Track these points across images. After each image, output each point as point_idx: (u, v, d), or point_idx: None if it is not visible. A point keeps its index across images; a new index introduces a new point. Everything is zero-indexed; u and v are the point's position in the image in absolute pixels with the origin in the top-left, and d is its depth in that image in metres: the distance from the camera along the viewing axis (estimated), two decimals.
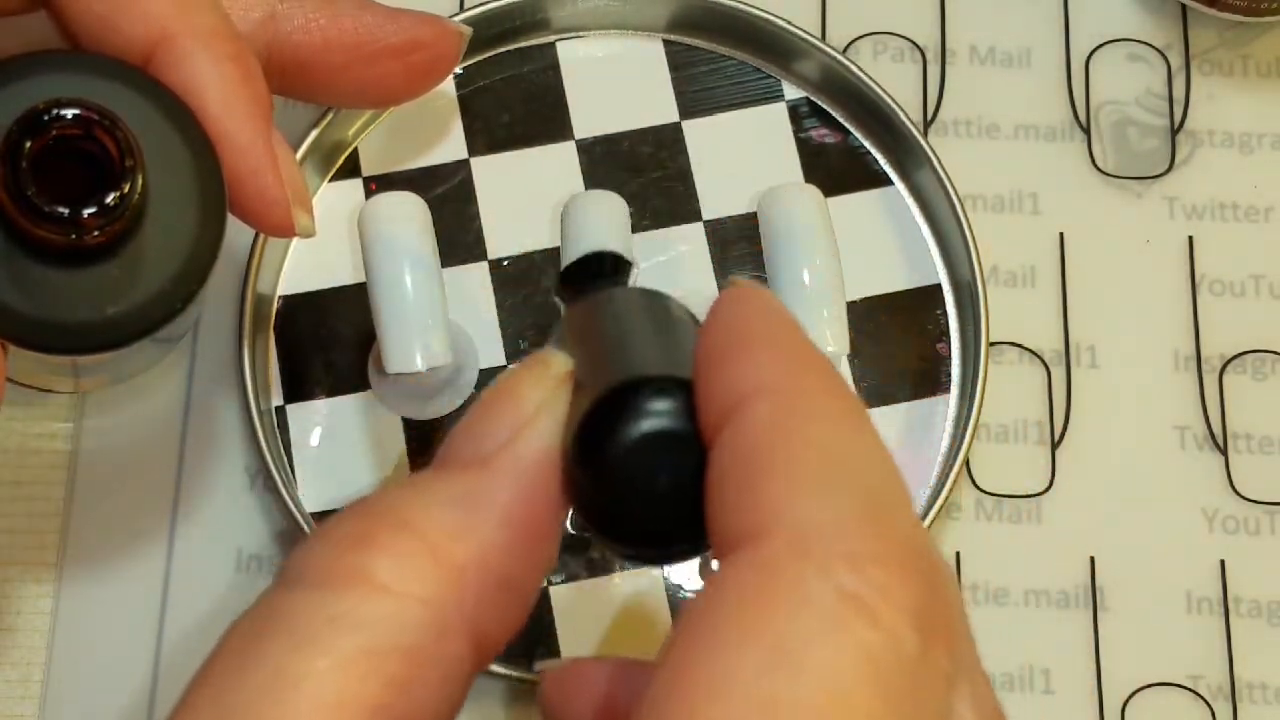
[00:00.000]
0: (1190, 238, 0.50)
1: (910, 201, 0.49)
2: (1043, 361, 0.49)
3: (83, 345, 0.37)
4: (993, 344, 0.48)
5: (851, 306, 0.46)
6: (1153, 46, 0.52)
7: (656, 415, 0.30)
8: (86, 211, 0.36)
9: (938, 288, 0.49)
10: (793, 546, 0.28)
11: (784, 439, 0.29)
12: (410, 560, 0.30)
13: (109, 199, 0.36)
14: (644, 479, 0.31)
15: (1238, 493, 0.48)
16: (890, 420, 0.47)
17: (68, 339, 0.37)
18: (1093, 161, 0.51)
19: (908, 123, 0.49)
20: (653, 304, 0.35)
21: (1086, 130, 0.51)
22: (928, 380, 0.48)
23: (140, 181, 0.36)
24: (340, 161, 0.49)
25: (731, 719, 0.26)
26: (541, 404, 0.32)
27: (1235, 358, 0.49)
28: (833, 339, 0.44)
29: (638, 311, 0.34)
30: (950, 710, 0.28)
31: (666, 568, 0.46)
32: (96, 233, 0.36)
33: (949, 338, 0.48)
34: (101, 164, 0.36)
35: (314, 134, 0.48)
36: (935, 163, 0.48)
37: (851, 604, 0.27)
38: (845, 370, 0.47)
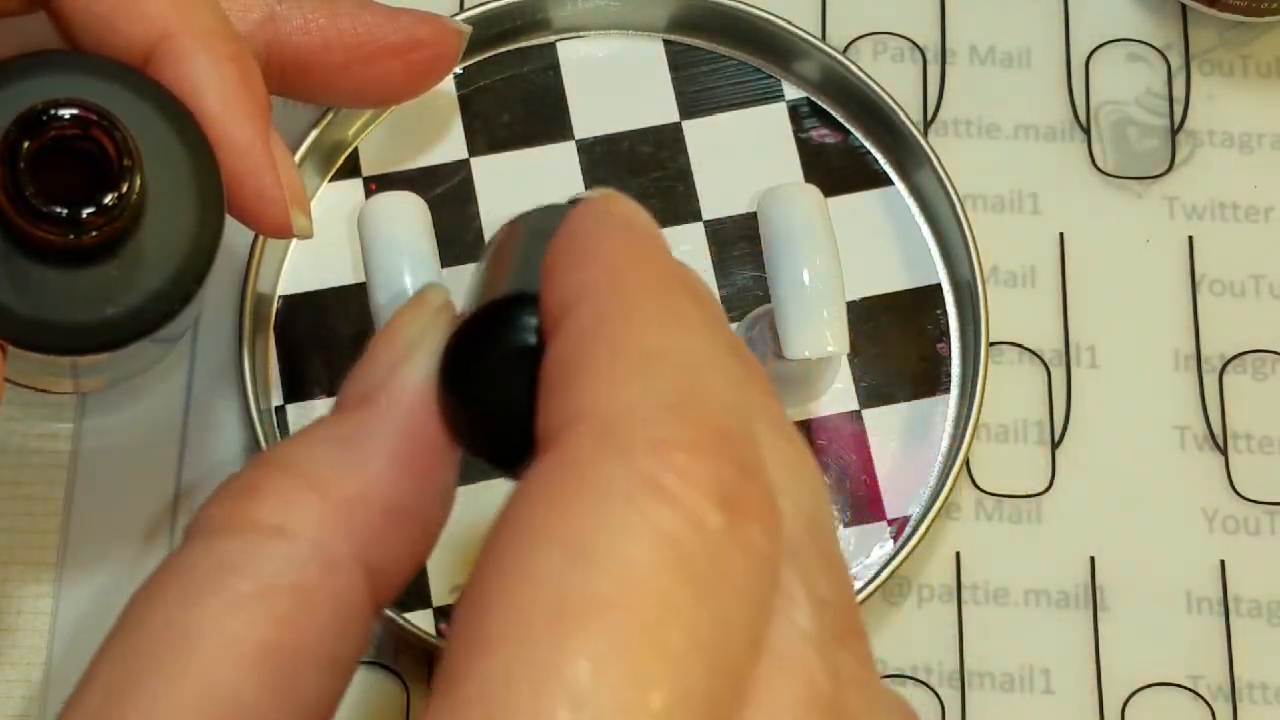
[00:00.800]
0: (1190, 238, 0.50)
1: (910, 201, 0.49)
2: (1043, 361, 0.49)
3: (82, 345, 0.37)
4: (993, 344, 0.48)
5: (851, 306, 0.46)
6: (1153, 46, 0.52)
7: (508, 333, 0.30)
8: (85, 212, 0.36)
9: (938, 288, 0.49)
10: (595, 438, 0.27)
11: (598, 340, 0.28)
12: (295, 500, 0.30)
13: (107, 199, 0.36)
14: (504, 396, 0.30)
15: (1238, 493, 0.48)
16: (890, 420, 0.47)
17: (67, 339, 0.37)
18: (1093, 161, 0.51)
19: (908, 123, 0.49)
20: (546, 225, 0.33)
21: (1086, 130, 0.51)
22: (928, 380, 0.48)
23: (138, 182, 0.36)
24: (340, 161, 0.49)
25: (526, 629, 0.25)
26: (419, 336, 0.32)
27: (1235, 358, 0.49)
28: (833, 339, 0.44)
29: (527, 237, 0.33)
30: (772, 590, 0.27)
31: None
32: (95, 233, 0.36)
33: (949, 338, 0.48)
34: (100, 164, 0.36)
35: (314, 134, 0.48)
36: (935, 163, 0.48)
37: (650, 489, 0.26)
38: (845, 370, 0.47)
